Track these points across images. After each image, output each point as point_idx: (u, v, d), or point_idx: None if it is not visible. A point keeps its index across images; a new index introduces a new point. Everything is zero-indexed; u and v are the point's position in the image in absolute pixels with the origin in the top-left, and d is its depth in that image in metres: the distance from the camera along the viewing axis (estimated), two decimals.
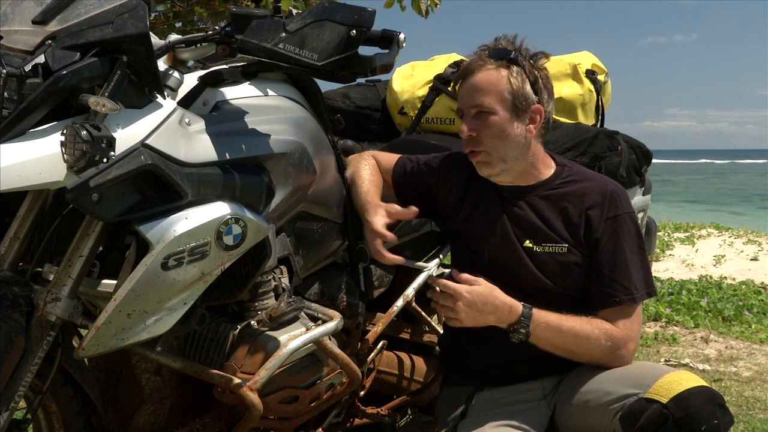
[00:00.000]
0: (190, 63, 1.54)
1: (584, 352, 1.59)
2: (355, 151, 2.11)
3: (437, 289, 1.56)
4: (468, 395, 1.71)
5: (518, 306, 1.56)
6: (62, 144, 1.16)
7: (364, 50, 1.40)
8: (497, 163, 1.64)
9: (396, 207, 1.70)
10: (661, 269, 6.34)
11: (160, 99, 1.33)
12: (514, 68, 1.64)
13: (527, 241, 1.66)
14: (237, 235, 1.36)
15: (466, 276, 1.56)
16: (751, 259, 6.78)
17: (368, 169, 1.81)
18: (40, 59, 1.23)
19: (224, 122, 1.43)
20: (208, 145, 1.37)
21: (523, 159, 1.66)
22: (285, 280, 1.61)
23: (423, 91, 2.24)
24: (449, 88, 2.18)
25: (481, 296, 1.53)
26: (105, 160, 1.17)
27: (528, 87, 1.64)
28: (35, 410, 1.39)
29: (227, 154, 1.38)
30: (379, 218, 1.67)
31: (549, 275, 1.64)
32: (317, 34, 1.35)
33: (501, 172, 1.66)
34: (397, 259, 1.67)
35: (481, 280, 1.56)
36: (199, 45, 1.45)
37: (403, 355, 2.05)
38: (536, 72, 1.66)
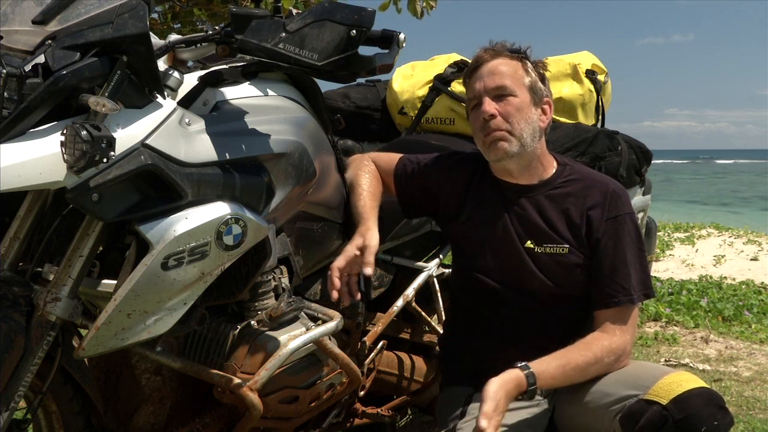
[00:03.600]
0: (190, 63, 1.54)
1: (589, 376, 1.57)
2: (355, 151, 2.11)
3: None
4: (467, 396, 1.71)
5: (522, 379, 1.48)
6: (62, 144, 1.16)
7: (364, 50, 1.40)
8: (516, 142, 1.62)
9: (369, 248, 1.59)
10: (661, 269, 6.34)
11: (160, 99, 1.33)
12: (527, 62, 1.69)
13: (529, 242, 1.66)
14: (237, 235, 1.36)
15: (488, 411, 1.42)
16: (751, 259, 6.78)
17: (367, 176, 1.80)
18: (40, 59, 1.23)
19: (224, 122, 1.43)
20: (208, 145, 1.36)
21: (534, 149, 1.66)
22: (285, 280, 1.61)
23: (423, 91, 2.24)
24: (449, 88, 2.18)
25: (504, 401, 1.45)
26: (105, 160, 1.17)
27: (539, 81, 1.69)
28: (35, 410, 1.40)
29: (227, 154, 1.38)
30: (345, 253, 1.57)
31: (550, 276, 1.64)
32: (317, 34, 1.35)
33: (515, 156, 1.64)
34: (334, 283, 1.56)
35: (491, 397, 1.43)
36: (199, 45, 1.45)
37: (403, 355, 2.05)
38: (541, 71, 1.71)
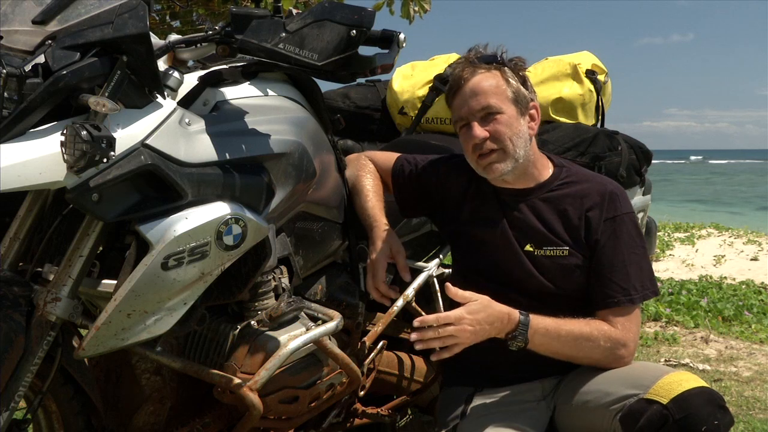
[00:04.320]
0: (190, 63, 1.54)
1: (584, 356, 1.59)
2: (355, 151, 2.11)
3: (431, 326, 1.45)
4: (467, 396, 1.71)
5: (515, 313, 1.53)
6: (62, 144, 1.16)
7: (364, 50, 1.40)
8: (510, 160, 1.63)
9: (400, 253, 1.72)
10: (661, 269, 6.34)
11: (160, 99, 1.33)
12: (506, 70, 1.66)
13: (528, 245, 1.66)
14: (237, 235, 1.36)
15: (459, 293, 1.50)
16: (751, 259, 6.78)
17: (370, 177, 1.81)
18: (40, 59, 1.23)
19: (224, 122, 1.43)
20: (208, 145, 1.36)
21: (527, 157, 1.66)
22: (285, 280, 1.61)
23: (423, 91, 2.24)
24: None
25: (481, 311, 1.49)
26: (105, 160, 1.17)
27: (521, 86, 1.66)
28: (35, 410, 1.40)
29: (227, 154, 1.38)
30: (381, 265, 1.70)
31: (550, 278, 1.64)
32: (317, 34, 1.35)
33: (510, 171, 1.64)
34: (390, 294, 1.71)
35: (473, 294, 1.51)
36: (199, 45, 1.45)
37: (403, 355, 2.05)
38: (522, 73, 1.69)
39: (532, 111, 1.68)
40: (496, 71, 1.65)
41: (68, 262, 1.31)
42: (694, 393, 1.43)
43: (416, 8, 3.92)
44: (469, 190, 1.76)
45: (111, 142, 1.17)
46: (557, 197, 1.68)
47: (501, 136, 1.61)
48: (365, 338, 1.84)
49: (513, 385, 1.69)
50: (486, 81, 1.63)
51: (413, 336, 1.47)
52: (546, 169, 1.72)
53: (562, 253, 1.64)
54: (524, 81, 1.69)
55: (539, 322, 1.54)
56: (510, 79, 1.65)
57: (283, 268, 1.63)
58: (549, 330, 1.54)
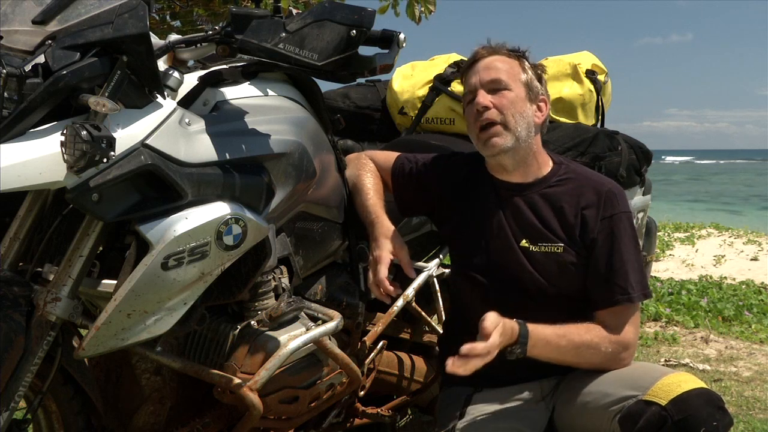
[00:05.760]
0: (190, 63, 1.54)
1: (584, 362, 1.58)
2: (355, 151, 2.11)
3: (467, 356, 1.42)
4: (467, 396, 1.71)
5: (516, 326, 1.51)
6: (62, 144, 1.17)
7: (364, 50, 1.40)
8: (510, 136, 1.63)
9: (403, 249, 1.70)
10: (661, 269, 6.34)
11: (160, 99, 1.33)
12: (524, 61, 1.70)
13: (524, 241, 1.66)
14: (237, 235, 1.36)
15: (490, 327, 1.44)
16: (751, 259, 6.78)
17: (370, 176, 1.82)
18: (40, 59, 1.23)
19: (224, 122, 1.43)
20: (208, 145, 1.37)
21: (529, 144, 1.66)
22: (285, 280, 1.62)
23: (423, 91, 2.24)
24: (449, 88, 2.18)
25: (506, 332, 1.47)
26: (105, 160, 1.17)
27: (535, 79, 1.70)
28: (35, 410, 1.40)
29: (227, 154, 1.38)
30: (384, 261, 1.66)
31: (545, 275, 1.64)
32: (317, 34, 1.35)
33: (509, 150, 1.64)
34: (390, 291, 1.66)
35: (492, 318, 1.46)
36: (199, 45, 1.45)
37: (403, 355, 2.05)
38: (539, 72, 1.72)
39: (541, 103, 1.70)
40: (514, 59, 1.69)
41: (68, 262, 1.31)
42: (693, 394, 1.43)
43: (422, 9, 3.93)
44: (468, 186, 1.76)
45: (111, 142, 1.17)
46: (554, 194, 1.68)
47: (504, 109, 1.63)
48: (365, 338, 1.84)
49: (512, 386, 1.69)
50: (501, 61, 1.68)
51: (456, 362, 1.42)
52: (546, 166, 1.72)
53: (557, 249, 1.64)
54: (540, 77, 1.72)
55: (539, 333, 1.52)
56: (526, 68, 1.69)
57: (283, 268, 1.63)
58: (549, 341, 1.53)
